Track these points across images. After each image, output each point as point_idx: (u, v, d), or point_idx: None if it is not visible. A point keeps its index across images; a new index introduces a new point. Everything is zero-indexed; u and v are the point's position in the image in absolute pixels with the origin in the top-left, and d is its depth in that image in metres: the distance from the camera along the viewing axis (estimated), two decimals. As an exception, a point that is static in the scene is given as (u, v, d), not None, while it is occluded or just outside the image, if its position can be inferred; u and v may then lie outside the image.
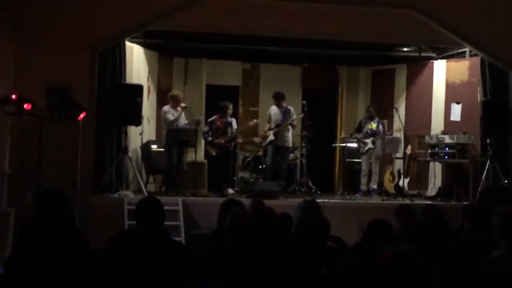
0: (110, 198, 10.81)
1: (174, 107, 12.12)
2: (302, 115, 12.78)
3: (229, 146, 12.41)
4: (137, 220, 4.92)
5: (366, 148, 13.27)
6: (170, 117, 11.97)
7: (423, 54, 14.53)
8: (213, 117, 12.53)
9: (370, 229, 5.04)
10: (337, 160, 15.11)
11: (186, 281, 4.71)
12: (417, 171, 13.72)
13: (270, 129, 12.64)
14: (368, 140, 13.23)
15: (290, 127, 12.59)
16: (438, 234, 6.03)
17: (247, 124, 13.06)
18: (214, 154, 12.31)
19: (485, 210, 5.90)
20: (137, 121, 11.53)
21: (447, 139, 12.51)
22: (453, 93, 13.50)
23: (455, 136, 12.45)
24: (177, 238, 9.36)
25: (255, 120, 13.13)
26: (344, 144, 13.79)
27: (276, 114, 12.70)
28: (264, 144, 12.87)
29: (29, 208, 8.27)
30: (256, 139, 13.60)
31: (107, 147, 11.19)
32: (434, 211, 7.77)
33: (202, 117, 12.93)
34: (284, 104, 12.71)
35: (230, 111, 12.47)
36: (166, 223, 5.05)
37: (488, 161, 11.88)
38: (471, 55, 13.26)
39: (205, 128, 12.46)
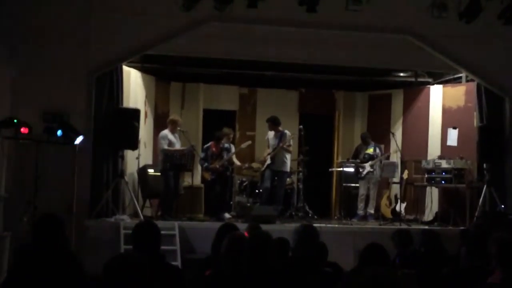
0: (106, 223, 10.76)
1: (173, 131, 12.15)
2: (292, 136, 12.74)
3: (225, 170, 12.40)
4: (134, 244, 4.90)
5: (364, 173, 13.26)
6: (166, 143, 11.97)
7: (419, 79, 14.61)
8: (209, 144, 12.55)
9: (365, 254, 5.03)
10: (334, 184, 15.09)
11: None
12: (414, 196, 13.69)
13: (268, 154, 12.66)
14: (366, 164, 13.22)
15: (286, 152, 12.59)
16: (434, 260, 6.02)
17: (239, 146, 13.00)
18: (209, 179, 12.30)
19: (482, 235, 5.89)
20: (134, 145, 11.54)
21: (444, 164, 12.51)
22: (449, 118, 13.53)
23: (451, 161, 12.44)
24: (173, 263, 9.29)
25: (247, 141, 13.05)
26: (341, 169, 13.74)
27: (273, 138, 12.73)
28: (262, 169, 12.84)
29: (25, 232, 8.26)
30: (255, 165, 13.56)
31: (103, 171, 11.16)
32: (431, 236, 7.78)
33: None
34: (280, 129, 12.74)
35: (229, 138, 12.56)
36: (163, 247, 5.04)
37: (485, 186, 11.88)
38: (467, 80, 13.32)
39: (202, 155, 12.47)
